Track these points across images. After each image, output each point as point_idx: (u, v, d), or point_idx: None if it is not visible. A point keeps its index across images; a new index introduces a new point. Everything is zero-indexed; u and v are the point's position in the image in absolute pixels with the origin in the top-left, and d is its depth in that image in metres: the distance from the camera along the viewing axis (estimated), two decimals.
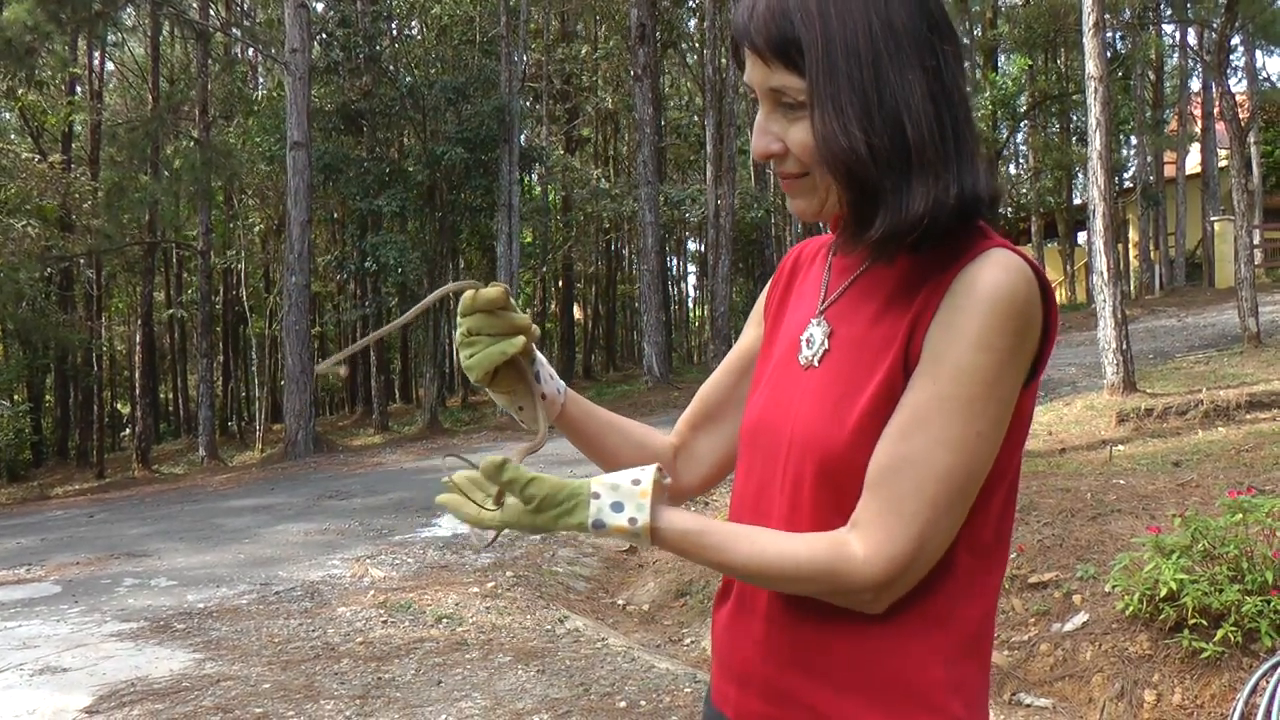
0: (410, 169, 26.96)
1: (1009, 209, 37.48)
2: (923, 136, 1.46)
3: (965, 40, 32.70)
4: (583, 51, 39.22)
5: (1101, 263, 14.26)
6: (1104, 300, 14.17)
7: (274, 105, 29.23)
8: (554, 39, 37.41)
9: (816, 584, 1.49)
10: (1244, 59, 34.65)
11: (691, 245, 52.75)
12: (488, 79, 26.75)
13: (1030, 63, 35.45)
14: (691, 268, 56.27)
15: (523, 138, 29.56)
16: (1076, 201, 37.75)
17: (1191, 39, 34.27)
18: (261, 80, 37.95)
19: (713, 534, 1.53)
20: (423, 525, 11.71)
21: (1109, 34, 29.91)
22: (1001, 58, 38.48)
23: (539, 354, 1.78)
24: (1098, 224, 14.43)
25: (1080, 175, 37.26)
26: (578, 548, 10.46)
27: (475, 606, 8.14)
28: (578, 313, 46.33)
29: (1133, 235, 37.84)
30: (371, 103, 26.66)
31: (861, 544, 1.46)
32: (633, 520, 1.51)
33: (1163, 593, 5.74)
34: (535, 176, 36.67)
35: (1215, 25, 21.90)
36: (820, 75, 1.47)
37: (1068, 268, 38.82)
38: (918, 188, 1.46)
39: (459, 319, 1.69)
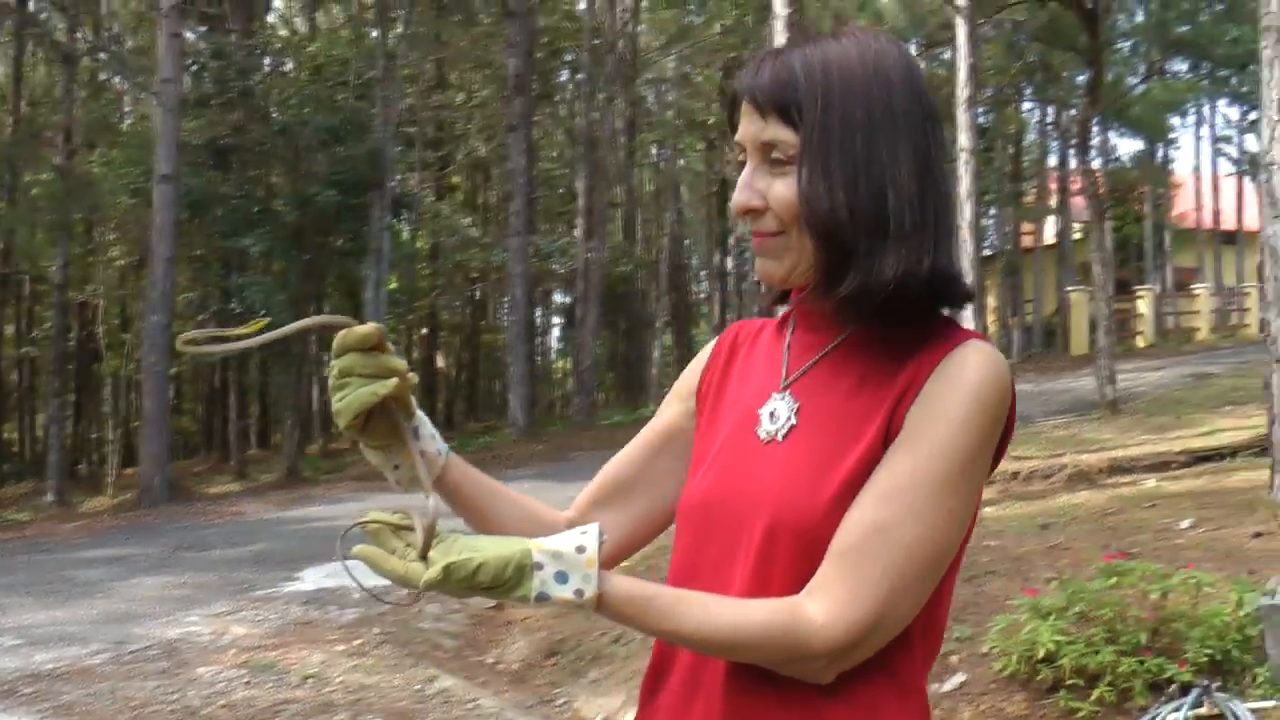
0: (279, 209, 26.53)
1: None
2: (903, 209, 1.51)
3: None
4: (457, 99, 39.11)
5: (969, 327, 14.47)
6: None
7: (141, 136, 28.63)
8: (429, 85, 37.26)
9: (770, 651, 1.47)
10: (1098, 139, 35.82)
11: (557, 297, 52.75)
12: (361, 122, 26.47)
13: None
14: (555, 319, 56.26)
15: (394, 183, 29.29)
16: None
17: (1050, 116, 35.47)
18: (128, 109, 37.21)
19: (661, 599, 1.48)
20: (285, 579, 11.35)
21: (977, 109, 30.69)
22: None
23: (420, 412, 1.65)
24: None
25: None
26: (444, 603, 10.23)
27: (342, 665, 7.91)
28: (440, 362, 46.02)
29: (991, 301, 38.87)
30: (242, 139, 26.21)
31: (820, 608, 1.45)
32: (579, 592, 1.43)
33: (1040, 654, 5.84)
34: (405, 223, 36.39)
35: (1077, 106, 22.63)
36: (815, 135, 1.51)
37: None
38: (891, 254, 1.50)
39: (332, 361, 1.56)
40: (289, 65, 30.88)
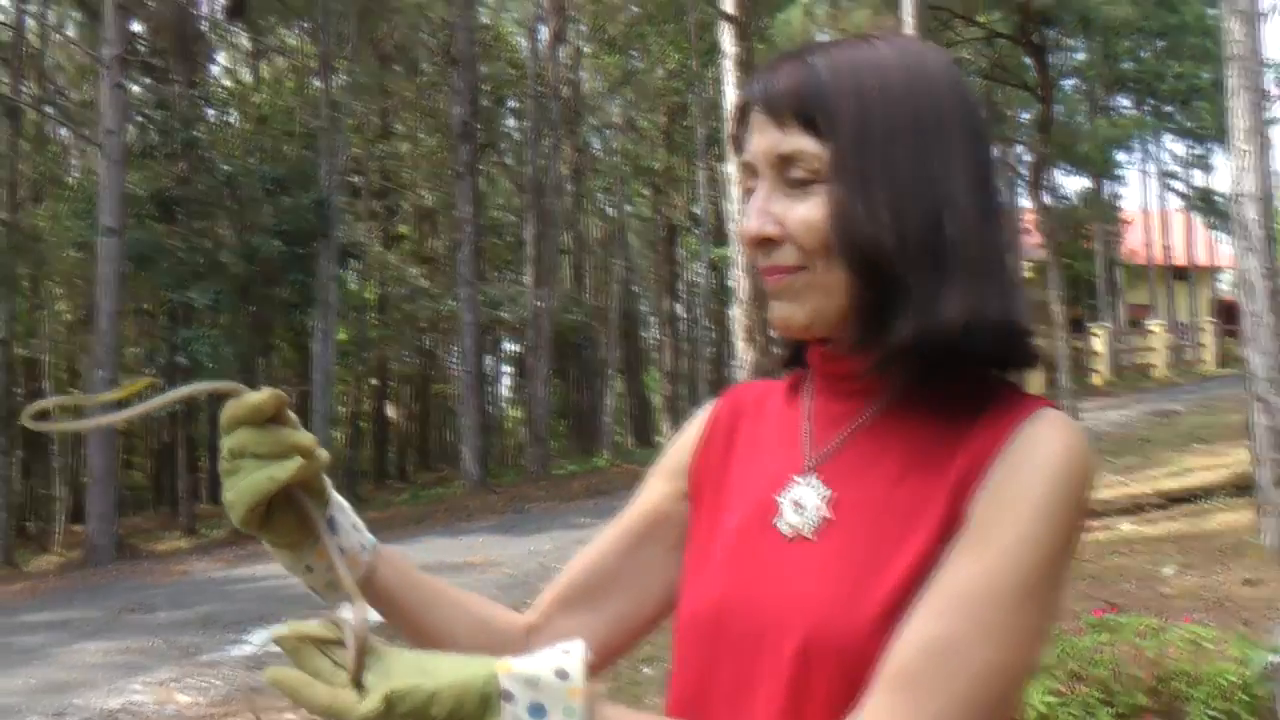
0: (226, 260, 26.16)
1: None
2: (963, 236, 1.23)
3: None
4: (403, 149, 38.97)
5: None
6: None
7: (86, 189, 28.24)
8: (374, 135, 37.11)
9: None
10: (1046, 178, 36.28)
11: (507, 346, 52.53)
12: (307, 172, 26.19)
13: None
14: (505, 368, 56.00)
15: (341, 233, 29.05)
16: None
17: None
18: (74, 162, 36.81)
19: None
20: (232, 642, 10.97)
21: None
22: None
23: (336, 495, 1.33)
24: None
25: None
26: None
27: None
28: (391, 412, 45.64)
29: None
30: (187, 190, 25.85)
31: None
32: None
33: (1032, 717, 5.55)
34: (353, 273, 36.15)
35: (1022, 144, 22.76)
36: (849, 144, 1.23)
37: None
38: (953, 291, 1.22)
39: (221, 440, 1.22)
40: (233, 115, 30.66)
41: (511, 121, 40.51)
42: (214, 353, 23.21)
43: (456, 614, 1.45)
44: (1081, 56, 33.14)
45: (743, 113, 1.33)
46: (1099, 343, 33.93)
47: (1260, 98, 9.74)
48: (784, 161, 1.26)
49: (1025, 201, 33.88)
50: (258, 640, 10.95)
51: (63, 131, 34.31)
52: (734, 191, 12.94)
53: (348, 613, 1.13)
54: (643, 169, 40.80)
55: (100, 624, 12.60)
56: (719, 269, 35.54)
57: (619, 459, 32.45)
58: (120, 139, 21.41)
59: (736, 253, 12.64)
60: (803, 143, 1.24)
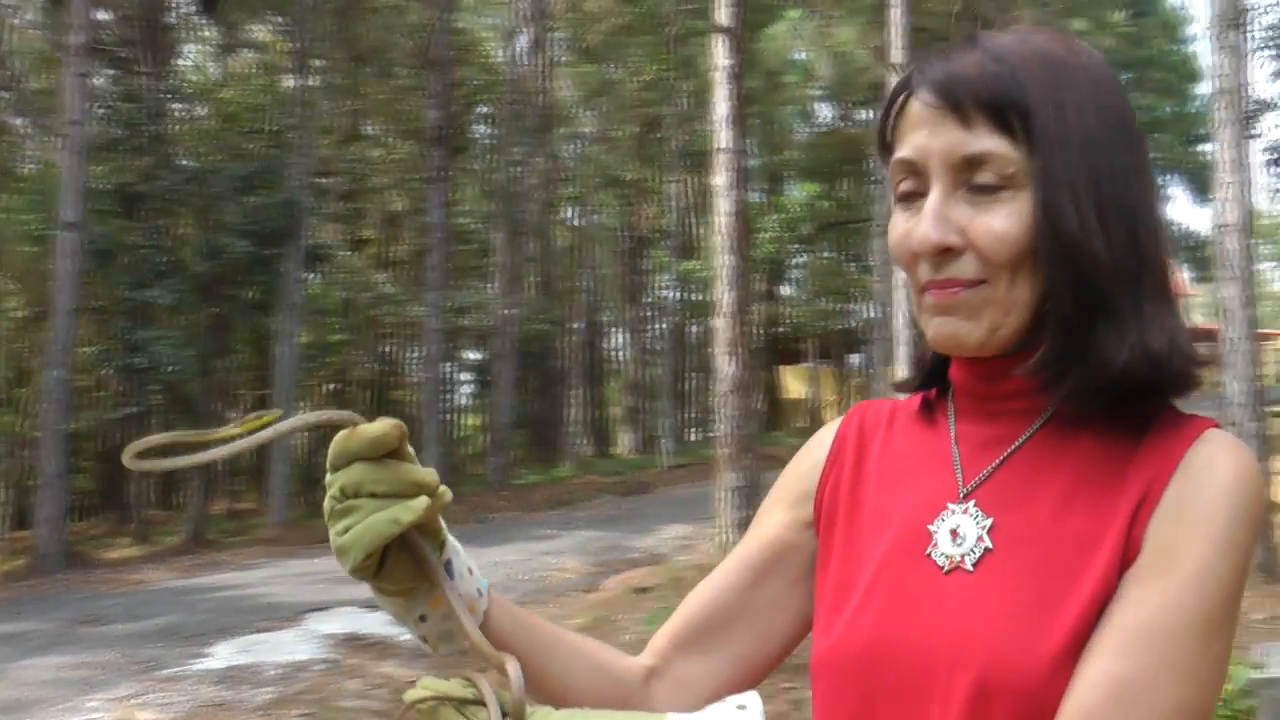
0: (189, 259, 25.81)
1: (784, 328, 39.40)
2: (1154, 255, 1.17)
3: (754, 163, 33.75)
4: (376, 153, 38.78)
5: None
6: None
7: (43, 181, 27.83)
8: (344, 137, 36.87)
9: None
10: None
11: (466, 354, 52.52)
12: (275, 171, 25.90)
13: (816, 189, 36.62)
14: (464, 376, 56.01)
15: (308, 235, 28.86)
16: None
17: None
18: (30, 153, 36.36)
19: None
20: (194, 656, 10.80)
21: None
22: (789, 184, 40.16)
23: (452, 538, 1.21)
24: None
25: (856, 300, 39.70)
26: (365, 679, 9.79)
27: None
28: None
29: None
30: (151, 185, 25.46)
31: None
32: None
33: None
34: (318, 275, 35.98)
35: None
36: (1052, 145, 1.14)
37: (843, 387, 42.94)
38: (1159, 311, 1.17)
39: (329, 474, 1.13)
40: (201, 111, 30.38)
41: (483, 128, 40.39)
42: (174, 354, 22.88)
43: (574, 660, 1.36)
44: None
45: (897, 105, 1.23)
46: None
47: (1244, 131, 9.95)
48: (968, 164, 1.16)
49: None
50: (221, 654, 10.76)
51: (19, 120, 33.89)
52: (716, 209, 12.77)
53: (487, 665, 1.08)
54: (613, 180, 40.74)
55: (52, 637, 12.30)
56: (685, 282, 35.55)
57: (581, 470, 32.44)
58: (83, 130, 21.05)
59: (721, 266, 12.43)
60: (993, 144, 1.15)
